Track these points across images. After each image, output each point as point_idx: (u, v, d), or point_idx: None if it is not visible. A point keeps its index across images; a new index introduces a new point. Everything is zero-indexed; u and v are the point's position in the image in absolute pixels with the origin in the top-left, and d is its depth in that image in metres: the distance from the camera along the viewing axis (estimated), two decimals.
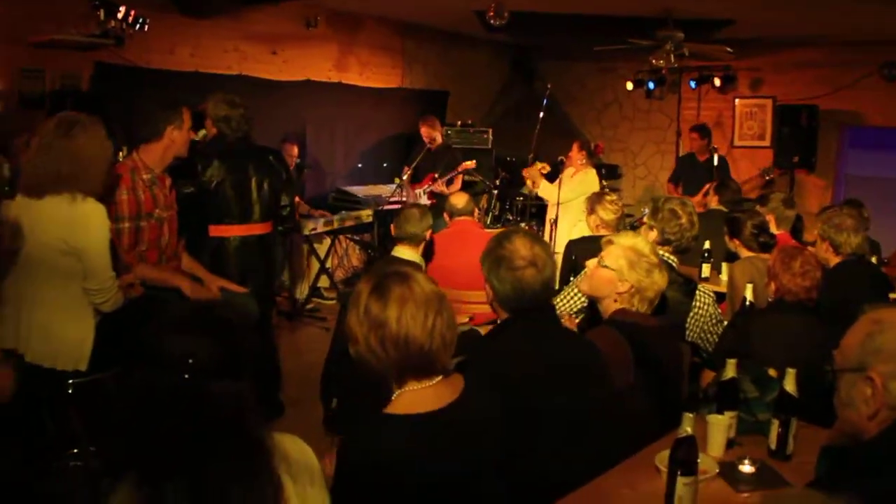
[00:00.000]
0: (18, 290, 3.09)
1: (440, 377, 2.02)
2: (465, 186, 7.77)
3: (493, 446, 2.07)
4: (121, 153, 4.91)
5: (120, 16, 5.83)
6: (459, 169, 7.65)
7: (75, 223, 3.02)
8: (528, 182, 7.16)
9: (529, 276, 2.48)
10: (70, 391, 3.15)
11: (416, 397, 1.99)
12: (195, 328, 1.58)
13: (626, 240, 3.05)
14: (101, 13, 5.83)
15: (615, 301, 2.97)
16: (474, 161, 7.76)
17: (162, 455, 1.50)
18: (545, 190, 6.89)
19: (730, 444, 2.58)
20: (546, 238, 6.67)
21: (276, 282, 4.55)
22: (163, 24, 6.69)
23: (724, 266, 4.96)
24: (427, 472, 1.91)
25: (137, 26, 5.95)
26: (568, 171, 7.11)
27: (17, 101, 5.90)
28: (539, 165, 7.05)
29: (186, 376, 1.52)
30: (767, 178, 8.56)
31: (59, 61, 6.16)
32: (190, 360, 1.53)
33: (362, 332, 1.97)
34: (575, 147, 7.21)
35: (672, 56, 7.29)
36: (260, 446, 1.58)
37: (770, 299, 3.44)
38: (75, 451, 3.52)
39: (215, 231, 4.35)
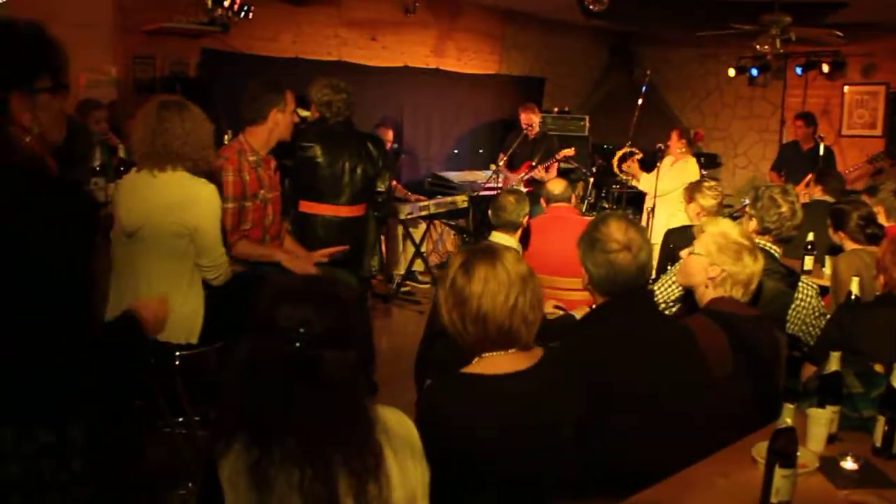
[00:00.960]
0: (134, 265, 3.24)
1: (516, 348, 2.08)
2: (562, 174, 7.73)
3: (565, 418, 2.09)
4: (226, 136, 5.09)
5: (226, 4, 6.02)
6: (558, 156, 7.59)
7: (189, 203, 3.14)
8: (623, 177, 7.12)
9: (623, 259, 2.48)
10: (177, 363, 3.29)
11: (491, 362, 2.07)
12: (307, 298, 1.64)
13: (715, 226, 3.01)
14: (209, 1, 6.03)
15: (707, 287, 2.93)
16: (573, 148, 7.70)
17: (272, 418, 1.57)
18: (644, 182, 6.83)
19: (831, 439, 2.51)
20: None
21: (366, 264, 4.61)
22: (266, 11, 6.87)
23: (828, 259, 4.81)
24: (494, 431, 1.97)
25: (242, 14, 6.13)
26: (667, 161, 6.99)
27: (132, 87, 6.16)
28: (622, 151, 7.00)
29: (298, 344, 1.58)
30: (876, 164, 8.22)
31: (168, 48, 6.42)
32: (302, 330, 1.59)
33: (447, 306, 2.07)
34: (674, 135, 7.08)
35: (778, 41, 7.04)
36: (364, 416, 1.64)
37: (878, 293, 3.32)
38: (181, 419, 3.69)
39: (304, 206, 4.46)
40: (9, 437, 1.67)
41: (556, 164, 7.63)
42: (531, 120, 7.66)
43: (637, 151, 7.08)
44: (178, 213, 3.13)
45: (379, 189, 4.64)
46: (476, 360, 2.10)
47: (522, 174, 7.63)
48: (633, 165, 7.01)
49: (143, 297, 3.22)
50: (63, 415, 1.75)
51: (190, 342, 3.28)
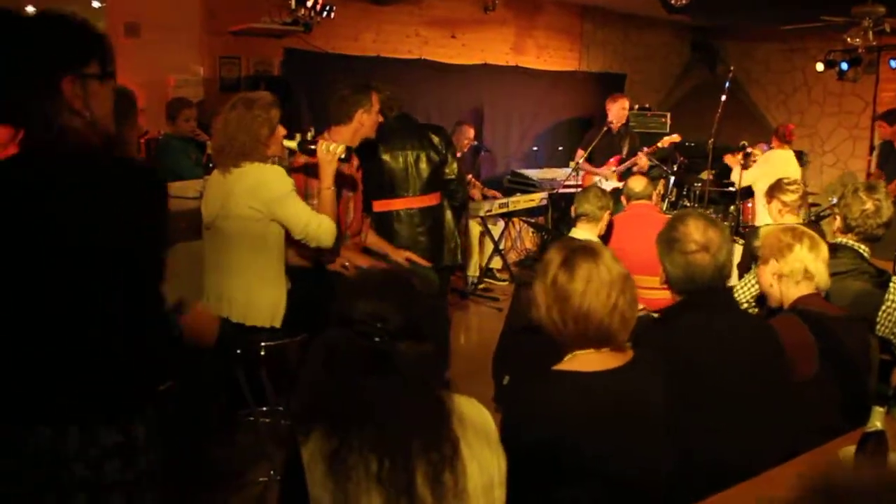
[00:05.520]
0: (219, 259, 3.35)
1: (610, 348, 2.07)
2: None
3: (656, 416, 2.08)
4: (309, 133, 5.18)
5: (309, 4, 6.15)
6: (662, 143, 7.48)
7: (258, 186, 3.22)
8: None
9: (701, 259, 2.46)
10: (262, 353, 3.38)
11: (585, 359, 2.06)
12: (382, 293, 1.67)
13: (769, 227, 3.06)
14: (293, 2, 6.17)
15: (771, 285, 2.94)
16: (678, 135, 7.62)
17: (349, 409, 1.61)
18: (735, 174, 6.87)
19: None
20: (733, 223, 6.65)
21: (446, 252, 4.64)
22: (348, 11, 6.99)
23: None
24: (588, 427, 1.95)
25: (325, 14, 6.26)
26: None
27: (218, 86, 6.34)
28: (741, 153, 7.09)
29: (377, 339, 1.61)
30: None
31: (253, 48, 6.59)
32: (378, 325, 1.62)
33: (546, 301, 2.05)
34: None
35: (870, 33, 6.81)
36: (440, 406, 1.67)
37: None
38: (264, 408, 3.78)
39: (378, 206, 4.51)
40: (75, 438, 1.72)
41: (647, 152, 7.47)
42: (626, 105, 7.58)
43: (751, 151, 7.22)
44: (249, 200, 3.22)
45: (448, 177, 4.66)
46: (568, 357, 2.09)
47: (612, 168, 7.49)
48: (732, 158, 6.99)
49: (226, 289, 3.32)
50: (129, 415, 1.79)
51: (273, 325, 3.36)
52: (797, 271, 2.88)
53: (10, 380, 1.73)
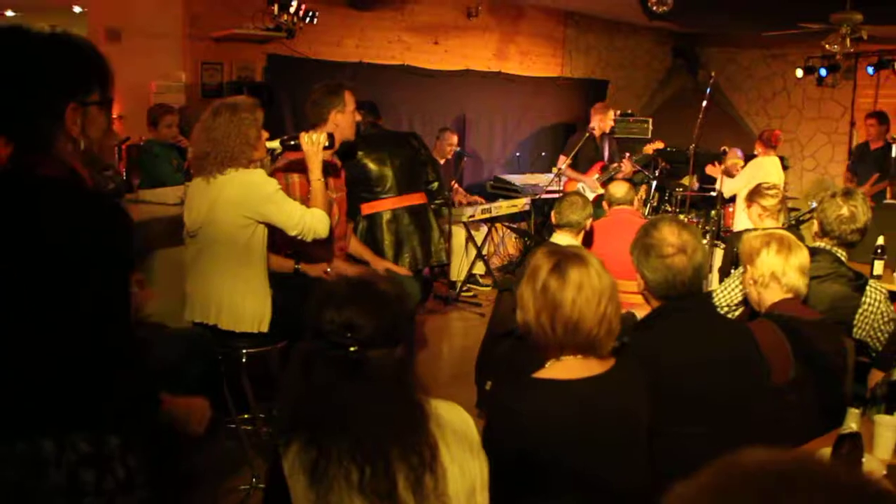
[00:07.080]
0: (205, 266, 3.33)
1: (593, 356, 2.07)
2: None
3: (637, 423, 2.09)
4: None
5: (292, 10, 6.15)
6: (647, 150, 7.56)
7: (243, 192, 3.22)
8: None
9: (679, 262, 2.47)
10: (243, 360, 3.37)
11: (565, 366, 2.05)
12: (349, 302, 1.67)
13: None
14: (276, 8, 6.17)
15: (750, 291, 3.01)
16: (661, 141, 7.70)
17: (326, 419, 1.62)
18: (719, 183, 6.95)
19: None
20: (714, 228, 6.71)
21: (433, 251, 4.72)
22: (331, 16, 7.00)
23: None
24: (565, 435, 1.96)
25: (307, 19, 6.26)
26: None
27: (200, 92, 6.33)
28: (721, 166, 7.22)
29: (352, 348, 1.62)
30: None
31: (236, 54, 6.58)
32: (349, 334, 1.63)
33: (535, 307, 2.04)
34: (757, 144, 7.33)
35: (848, 40, 6.87)
36: (417, 409, 1.68)
37: None
38: (246, 416, 3.77)
39: (366, 209, 4.60)
40: (50, 447, 1.71)
41: (632, 158, 7.54)
42: (611, 115, 7.66)
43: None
44: (235, 205, 3.21)
45: (430, 179, 4.75)
46: (550, 363, 2.08)
47: (595, 175, 7.54)
48: (713, 168, 7.06)
49: (213, 297, 3.31)
50: (103, 425, 1.78)
51: (261, 331, 3.36)
52: (765, 276, 2.93)
53: None
